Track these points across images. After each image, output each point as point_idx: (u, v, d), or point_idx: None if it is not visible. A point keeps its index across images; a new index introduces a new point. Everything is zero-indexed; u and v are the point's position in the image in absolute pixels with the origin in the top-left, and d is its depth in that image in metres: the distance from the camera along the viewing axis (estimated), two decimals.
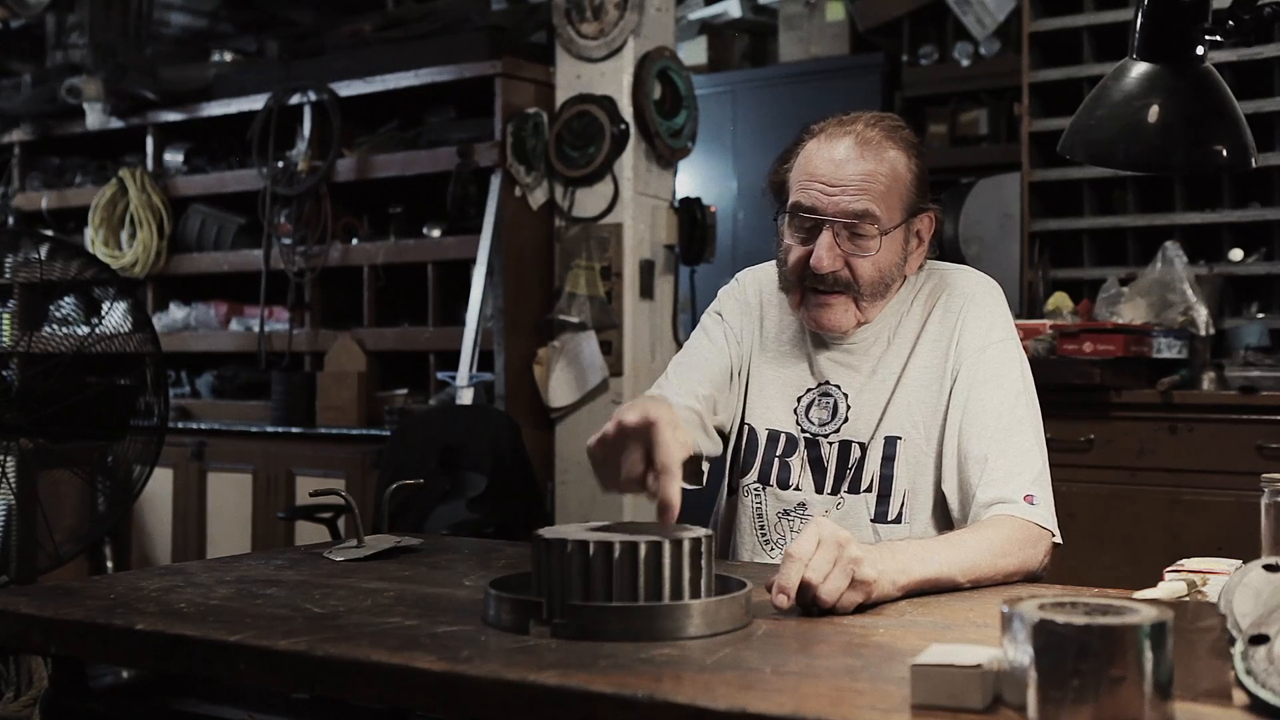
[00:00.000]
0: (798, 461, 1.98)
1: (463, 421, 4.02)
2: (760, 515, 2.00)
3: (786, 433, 2.01)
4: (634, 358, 4.45)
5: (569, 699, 1.19)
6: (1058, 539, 1.86)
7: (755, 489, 2.01)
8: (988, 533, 1.76)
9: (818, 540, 1.48)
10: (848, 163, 1.88)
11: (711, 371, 2.05)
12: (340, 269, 4.99)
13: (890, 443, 1.93)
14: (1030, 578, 1.80)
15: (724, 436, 2.07)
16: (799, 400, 2.01)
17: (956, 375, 1.92)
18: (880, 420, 1.95)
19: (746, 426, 2.05)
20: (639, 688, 1.17)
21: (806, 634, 1.41)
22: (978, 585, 1.70)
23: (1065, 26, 4.44)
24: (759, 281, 2.12)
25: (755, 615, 1.47)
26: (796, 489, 1.98)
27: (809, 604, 1.48)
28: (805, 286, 1.93)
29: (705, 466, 2.07)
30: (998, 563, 1.72)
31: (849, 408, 1.97)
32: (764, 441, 2.02)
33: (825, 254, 1.88)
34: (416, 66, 4.72)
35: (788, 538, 1.99)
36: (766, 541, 2.00)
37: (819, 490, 1.97)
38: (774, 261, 2.04)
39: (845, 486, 1.94)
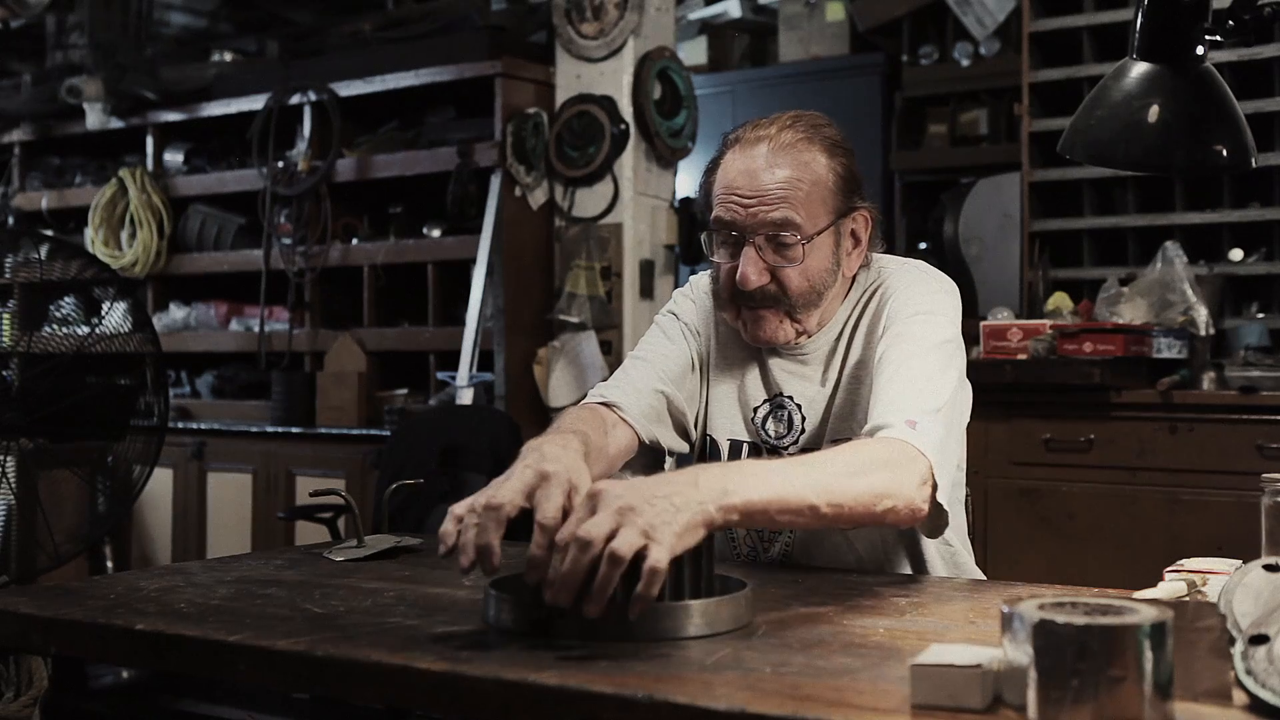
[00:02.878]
0: None
1: (463, 421, 4.01)
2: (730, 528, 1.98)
3: (748, 443, 1.97)
4: None
5: (569, 699, 1.19)
6: (944, 498, 1.62)
7: None
8: (845, 450, 1.60)
9: (576, 517, 1.34)
10: (762, 172, 1.81)
11: (668, 365, 1.99)
12: (340, 269, 4.99)
13: (836, 445, 1.83)
14: (911, 511, 1.58)
15: (688, 436, 2.02)
16: (755, 411, 1.97)
17: (880, 339, 1.82)
18: (825, 423, 1.91)
19: (708, 438, 2.01)
20: (639, 688, 1.17)
21: (806, 634, 1.41)
22: (842, 512, 1.51)
23: (1065, 26, 4.44)
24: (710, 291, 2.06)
25: (755, 615, 1.47)
26: None
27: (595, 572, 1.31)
28: (738, 302, 1.88)
29: (669, 463, 2.02)
30: (856, 481, 1.51)
31: (804, 419, 1.93)
32: (726, 453, 1.99)
33: (750, 269, 1.82)
34: (416, 66, 4.72)
35: (758, 548, 1.97)
36: (736, 554, 1.99)
37: None
38: None
39: None
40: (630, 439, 1.92)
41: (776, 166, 1.82)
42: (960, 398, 1.83)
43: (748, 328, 1.90)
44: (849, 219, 1.89)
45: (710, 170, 1.91)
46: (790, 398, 1.95)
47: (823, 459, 1.58)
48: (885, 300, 1.89)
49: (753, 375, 1.99)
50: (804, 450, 1.91)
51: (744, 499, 1.42)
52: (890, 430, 1.63)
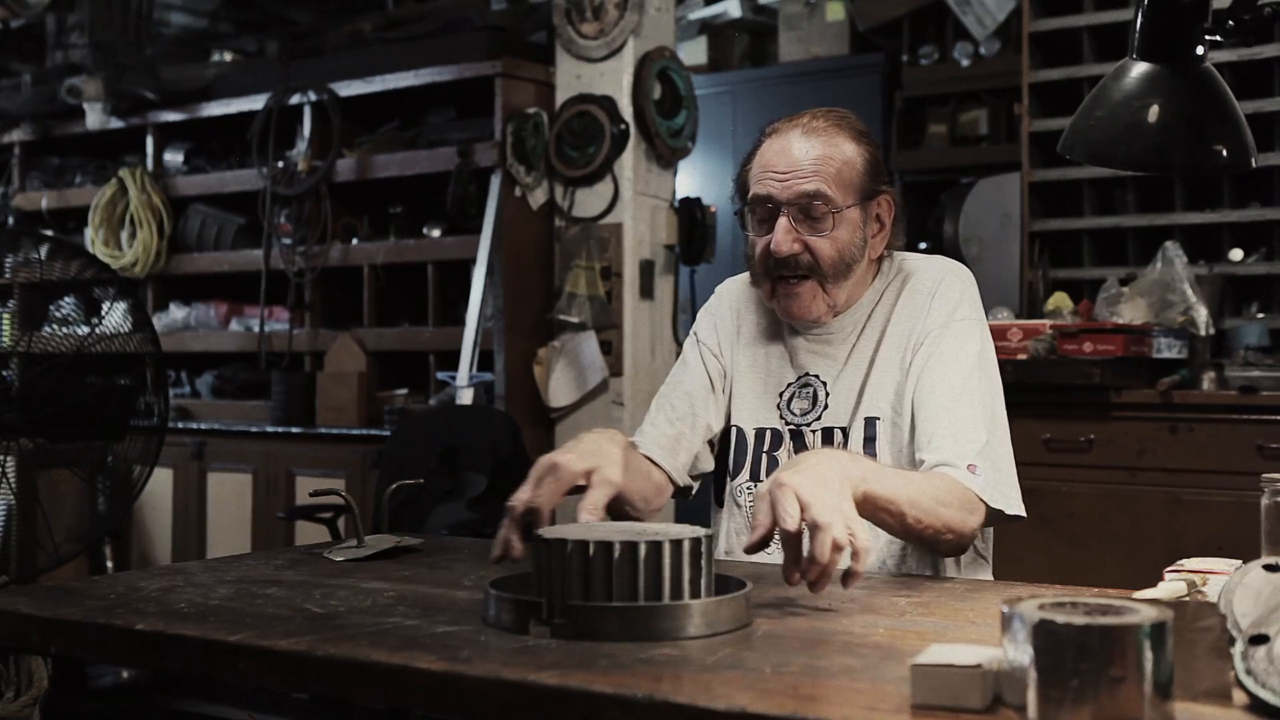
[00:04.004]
0: (784, 454, 2.02)
1: (463, 421, 4.01)
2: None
3: (772, 428, 2.05)
4: (634, 358, 4.45)
5: (569, 699, 1.19)
6: (1015, 511, 1.87)
7: (748, 488, 2.04)
8: (934, 479, 1.80)
9: (801, 505, 1.51)
10: (795, 150, 1.96)
11: (687, 389, 2.10)
12: (340, 269, 4.99)
13: (870, 424, 1.97)
14: (959, 545, 1.83)
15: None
16: (781, 395, 2.06)
17: (918, 349, 1.96)
18: (858, 403, 1.99)
19: (735, 428, 2.08)
20: (639, 688, 1.17)
21: (806, 634, 1.41)
22: (918, 527, 1.73)
23: (1065, 26, 4.44)
24: (735, 290, 2.18)
25: (755, 615, 1.47)
26: None
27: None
28: (773, 277, 1.99)
29: (694, 484, 2.11)
30: (938, 509, 1.75)
31: (828, 395, 2.02)
32: (752, 440, 2.06)
33: (783, 237, 1.94)
34: (416, 66, 4.72)
35: None
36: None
37: None
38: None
39: None
40: (666, 482, 2.06)
41: (809, 146, 1.97)
42: (999, 398, 1.96)
43: (782, 302, 2.00)
44: (874, 202, 2.01)
45: (746, 161, 2.05)
46: (817, 376, 2.04)
47: (913, 476, 1.78)
48: (918, 294, 2.00)
49: (780, 360, 2.08)
50: (826, 428, 2.00)
51: (871, 489, 1.64)
52: (956, 472, 1.82)
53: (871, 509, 1.67)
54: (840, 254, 1.96)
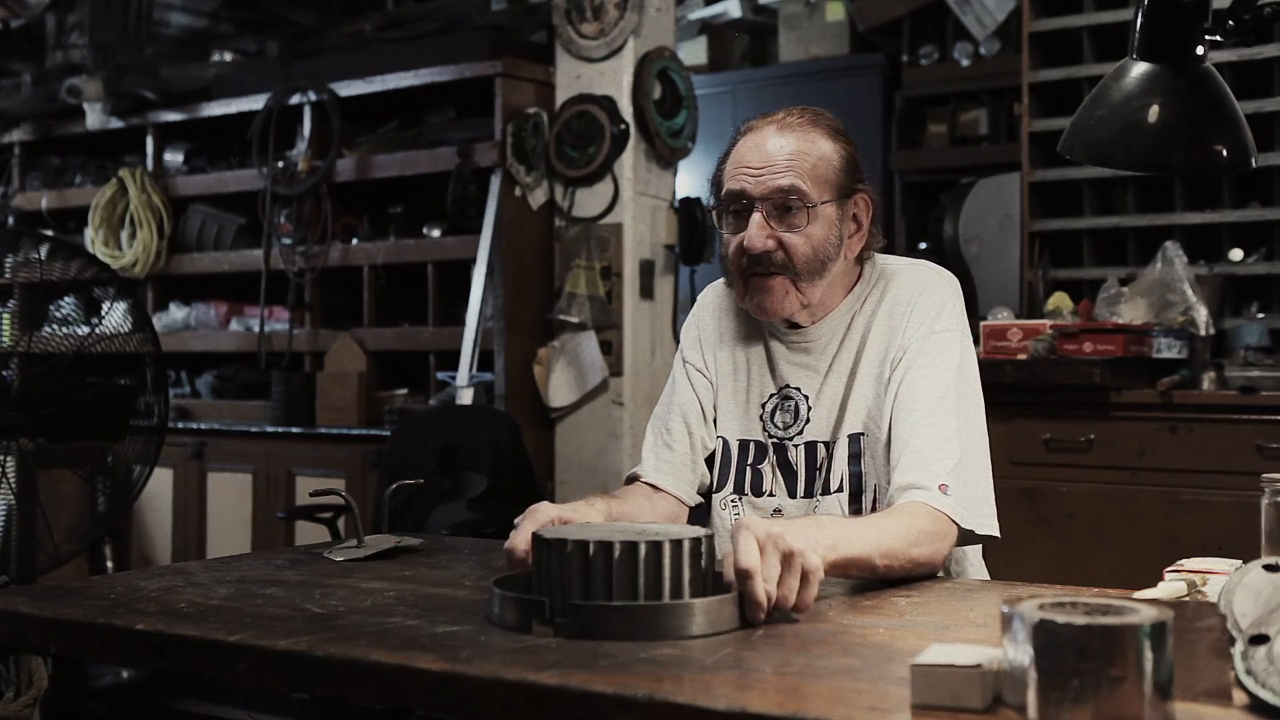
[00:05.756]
0: (768, 468, 2.00)
1: (463, 421, 4.01)
2: None
3: (755, 441, 2.03)
4: (634, 358, 4.45)
5: (569, 699, 1.19)
6: (988, 530, 1.85)
7: (733, 500, 2.03)
8: (904, 520, 1.76)
9: (759, 545, 1.45)
10: (770, 145, 1.93)
11: (682, 409, 2.09)
12: (340, 269, 4.99)
13: (855, 440, 1.94)
14: (931, 573, 1.80)
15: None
16: (763, 407, 2.03)
17: (897, 364, 1.92)
18: (841, 419, 1.96)
19: (720, 439, 2.07)
20: (639, 688, 1.17)
21: (806, 634, 1.41)
22: (889, 573, 1.70)
23: (1065, 26, 4.44)
24: (717, 295, 2.15)
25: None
26: (770, 495, 1.99)
27: (771, 612, 1.45)
28: (746, 274, 1.95)
29: (703, 500, 2.11)
30: (910, 551, 1.72)
31: (810, 409, 1.99)
32: (736, 452, 2.04)
33: (756, 232, 1.91)
34: (416, 66, 4.72)
35: None
36: None
37: (792, 494, 1.98)
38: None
39: (819, 489, 1.96)
40: (676, 504, 2.05)
41: (785, 142, 1.93)
42: (978, 413, 1.93)
43: (754, 297, 1.96)
44: (851, 201, 1.97)
45: (722, 160, 2.00)
46: (798, 389, 2.01)
47: (883, 524, 1.73)
48: (897, 305, 1.96)
49: (761, 369, 2.05)
50: (809, 442, 1.98)
51: (840, 556, 1.59)
52: (925, 495, 1.79)
53: (843, 569, 1.64)
54: (815, 251, 1.91)
